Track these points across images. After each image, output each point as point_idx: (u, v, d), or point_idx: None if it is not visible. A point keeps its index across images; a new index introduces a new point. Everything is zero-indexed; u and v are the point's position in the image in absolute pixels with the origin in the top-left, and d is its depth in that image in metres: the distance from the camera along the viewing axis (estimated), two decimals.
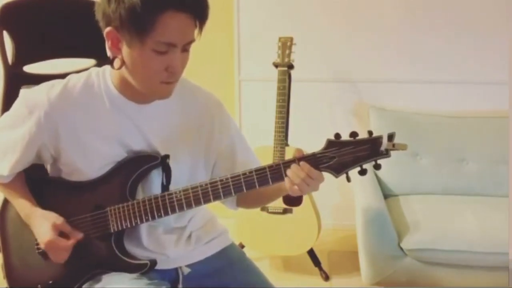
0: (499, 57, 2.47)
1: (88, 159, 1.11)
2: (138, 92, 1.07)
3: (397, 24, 2.52)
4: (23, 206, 1.15)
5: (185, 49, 1.03)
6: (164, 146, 1.14)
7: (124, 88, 1.09)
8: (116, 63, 1.04)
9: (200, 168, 1.20)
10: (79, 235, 1.11)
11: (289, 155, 2.20)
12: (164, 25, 0.95)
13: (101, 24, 1.01)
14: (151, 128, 1.13)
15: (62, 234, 1.10)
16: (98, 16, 1.01)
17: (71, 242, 1.10)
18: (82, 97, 1.10)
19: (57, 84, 1.11)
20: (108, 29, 0.99)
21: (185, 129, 1.17)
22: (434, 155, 2.38)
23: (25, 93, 1.12)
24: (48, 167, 1.20)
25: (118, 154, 1.12)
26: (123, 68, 1.04)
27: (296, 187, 1.02)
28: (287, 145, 2.24)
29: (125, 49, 1.01)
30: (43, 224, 1.10)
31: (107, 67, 1.13)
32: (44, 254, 1.15)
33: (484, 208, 2.17)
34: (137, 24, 0.95)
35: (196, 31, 1.01)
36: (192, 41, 1.02)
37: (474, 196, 2.31)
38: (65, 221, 1.11)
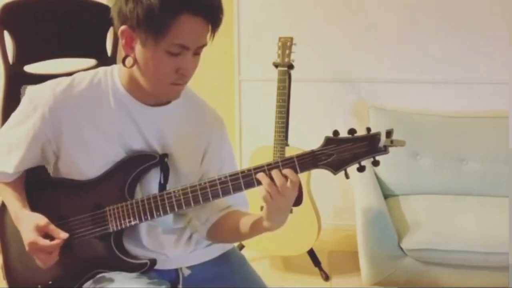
0: (499, 57, 2.47)
1: (89, 157, 1.11)
2: (146, 93, 1.08)
3: (397, 24, 2.53)
4: (13, 208, 1.14)
5: (197, 53, 1.04)
6: (161, 149, 1.15)
7: (132, 87, 1.10)
8: (128, 61, 1.05)
9: (194, 177, 1.20)
10: (64, 235, 1.07)
11: (288, 155, 2.20)
12: (180, 27, 0.96)
13: (115, 22, 1.02)
14: (151, 130, 1.13)
15: (48, 236, 1.07)
16: (114, 14, 1.02)
17: (54, 243, 1.05)
18: (87, 94, 1.10)
19: (63, 81, 1.11)
20: (123, 27, 1.00)
21: (185, 138, 1.17)
22: (434, 155, 2.38)
23: (31, 90, 1.12)
24: (50, 168, 1.20)
25: (118, 154, 1.12)
26: (134, 67, 1.05)
27: (268, 195, 1.00)
28: (287, 145, 2.24)
29: (138, 49, 1.01)
30: (26, 226, 1.08)
31: (115, 66, 1.14)
32: None
33: (484, 208, 2.17)
34: (153, 25, 0.96)
35: (208, 35, 1.03)
36: (204, 45, 1.04)
37: (474, 196, 2.31)
38: (49, 222, 1.07)
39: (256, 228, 1.11)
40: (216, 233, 1.21)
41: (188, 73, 1.04)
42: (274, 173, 1.01)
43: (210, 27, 1.01)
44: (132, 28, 0.99)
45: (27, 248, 1.07)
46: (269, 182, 1.01)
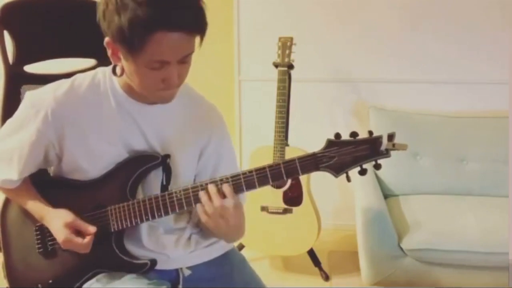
0: (499, 57, 2.47)
1: (92, 159, 1.11)
2: (142, 94, 1.08)
3: (397, 24, 2.52)
4: (36, 209, 1.14)
5: (183, 61, 1.01)
6: (161, 148, 1.15)
7: (129, 89, 1.10)
8: (118, 70, 1.06)
9: (192, 176, 1.21)
10: (92, 229, 1.09)
11: (288, 155, 2.20)
12: (155, 45, 0.93)
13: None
14: (150, 128, 1.13)
15: (77, 230, 1.09)
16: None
17: (86, 241, 1.08)
18: (88, 96, 1.10)
19: (63, 83, 1.11)
20: (107, 39, 1.00)
21: (184, 135, 1.17)
22: (434, 155, 2.38)
23: (31, 95, 1.12)
24: (51, 168, 1.20)
25: (120, 155, 1.12)
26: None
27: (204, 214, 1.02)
28: (287, 145, 2.24)
29: (123, 60, 1.01)
30: (56, 224, 1.10)
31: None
32: (45, 254, 1.15)
33: (484, 208, 2.17)
34: (127, 44, 0.94)
35: (193, 43, 1.00)
36: (189, 54, 1.00)
37: (474, 196, 2.31)
38: (75, 218, 1.10)
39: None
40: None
41: (173, 83, 1.01)
42: (213, 192, 1.02)
43: (193, 35, 0.97)
44: (114, 41, 0.98)
45: (62, 246, 1.10)
46: (206, 200, 1.02)
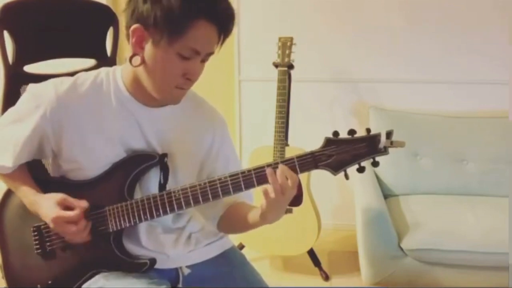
0: (499, 57, 2.47)
1: (91, 158, 1.11)
2: (148, 95, 1.08)
3: (397, 24, 2.53)
4: (26, 194, 1.14)
5: (204, 60, 1.06)
6: (162, 150, 1.15)
7: (135, 89, 1.10)
8: (135, 60, 1.04)
9: (193, 179, 1.21)
10: (84, 203, 1.08)
11: (288, 155, 2.20)
12: (195, 31, 0.98)
13: (127, 20, 1.02)
14: (153, 130, 1.14)
15: (68, 209, 1.07)
16: (127, 11, 1.02)
17: (77, 211, 1.06)
18: (89, 95, 1.10)
19: (66, 80, 1.11)
20: (135, 26, 1.00)
21: (186, 139, 1.18)
22: (434, 155, 2.38)
23: (33, 88, 1.12)
24: (50, 166, 1.20)
25: (119, 155, 1.12)
26: (140, 68, 1.05)
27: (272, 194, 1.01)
28: (287, 145, 2.24)
29: (149, 48, 1.01)
30: (46, 205, 1.09)
31: (117, 67, 1.14)
32: (43, 255, 1.15)
33: (484, 208, 2.17)
34: (171, 26, 0.97)
35: (217, 44, 1.04)
36: (212, 53, 1.05)
37: (474, 196, 2.31)
38: (66, 196, 1.08)
39: (255, 222, 1.14)
40: (224, 225, 1.24)
41: (194, 78, 1.06)
42: (279, 171, 1.01)
43: (220, 36, 1.03)
44: (146, 27, 0.99)
45: (52, 225, 1.07)
46: (274, 180, 1.01)
